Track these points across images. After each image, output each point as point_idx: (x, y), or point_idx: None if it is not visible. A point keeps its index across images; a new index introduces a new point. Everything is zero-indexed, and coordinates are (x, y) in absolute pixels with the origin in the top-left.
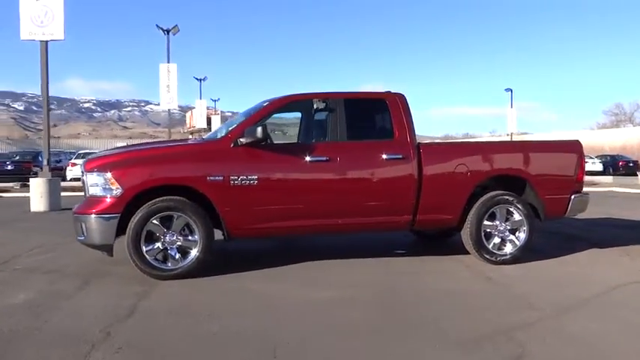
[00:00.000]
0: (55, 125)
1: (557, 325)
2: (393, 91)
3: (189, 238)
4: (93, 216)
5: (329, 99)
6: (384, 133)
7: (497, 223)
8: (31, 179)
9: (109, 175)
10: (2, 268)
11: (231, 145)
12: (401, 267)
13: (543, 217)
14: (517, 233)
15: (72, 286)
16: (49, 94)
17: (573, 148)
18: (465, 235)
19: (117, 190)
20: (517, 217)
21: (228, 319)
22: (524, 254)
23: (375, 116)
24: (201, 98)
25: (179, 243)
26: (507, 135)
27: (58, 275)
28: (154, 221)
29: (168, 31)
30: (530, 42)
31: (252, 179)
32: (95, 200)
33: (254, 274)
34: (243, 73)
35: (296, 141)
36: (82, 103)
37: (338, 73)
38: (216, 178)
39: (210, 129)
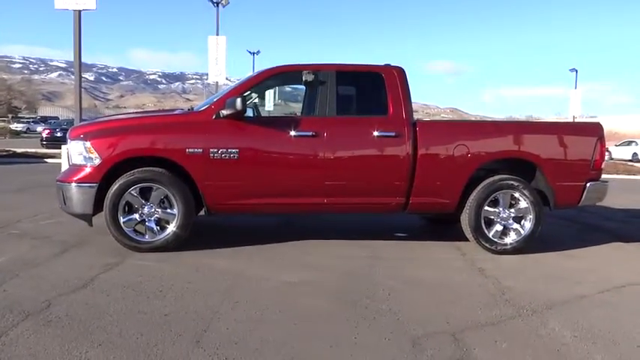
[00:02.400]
0: (122, 96)
1: (523, 326)
2: (392, 64)
3: (168, 211)
4: (73, 184)
5: (320, 71)
6: (378, 109)
7: (500, 209)
8: (62, 146)
9: (88, 144)
10: None
11: (213, 117)
12: (389, 252)
13: (553, 206)
14: (522, 222)
15: (48, 254)
16: (118, 66)
17: (592, 131)
18: (464, 221)
19: (96, 159)
20: (523, 204)
21: (180, 297)
22: (529, 244)
23: (370, 91)
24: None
25: (157, 215)
26: (571, 118)
27: (43, 242)
28: (133, 192)
29: (217, 3)
30: (604, 20)
31: (233, 153)
32: (76, 169)
33: (231, 252)
34: (297, 48)
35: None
36: (148, 74)
37: (402, 50)
38: (196, 150)
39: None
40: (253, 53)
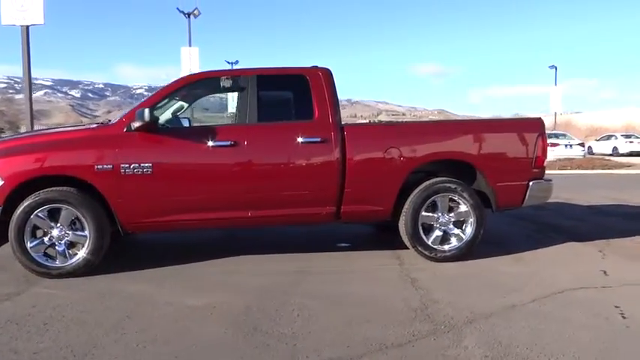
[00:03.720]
0: (109, 112)
1: (433, 346)
2: (320, 65)
3: (79, 233)
4: None
5: (239, 76)
6: (303, 114)
7: (439, 214)
8: None
9: None
10: None
11: (124, 130)
12: (321, 265)
13: (495, 208)
14: (464, 226)
15: None
16: (104, 82)
17: (532, 127)
18: (401, 228)
19: None
20: (463, 207)
21: (64, 330)
22: (472, 250)
23: (294, 95)
24: None
25: (68, 238)
26: (552, 115)
27: None
28: (40, 214)
29: (188, 15)
30: (590, 16)
31: (146, 167)
32: None
33: (150, 273)
34: (275, 56)
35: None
36: (134, 89)
37: (383, 53)
38: (105, 166)
39: None
40: (232, 63)
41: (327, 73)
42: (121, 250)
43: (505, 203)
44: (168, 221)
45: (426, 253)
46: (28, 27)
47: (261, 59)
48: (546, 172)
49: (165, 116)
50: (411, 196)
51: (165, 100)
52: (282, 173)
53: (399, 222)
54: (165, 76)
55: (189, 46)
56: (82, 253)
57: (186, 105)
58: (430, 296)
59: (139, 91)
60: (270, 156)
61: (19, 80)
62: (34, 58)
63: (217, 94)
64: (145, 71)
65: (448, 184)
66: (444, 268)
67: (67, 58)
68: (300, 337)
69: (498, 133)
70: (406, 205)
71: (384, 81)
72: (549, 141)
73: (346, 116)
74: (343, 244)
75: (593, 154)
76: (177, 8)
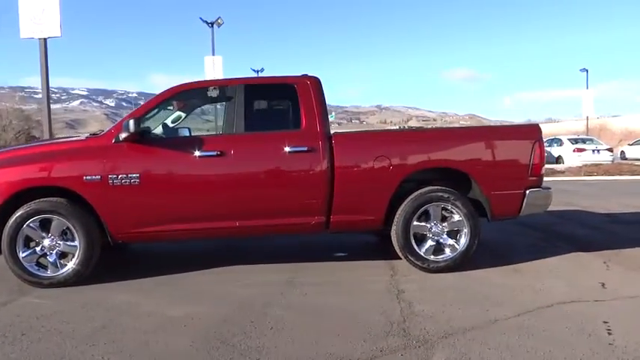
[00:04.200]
0: None
1: None
2: (309, 74)
3: (69, 243)
4: None
5: (227, 86)
6: (291, 123)
7: (432, 224)
8: None
9: None
10: None
11: (113, 142)
12: (311, 276)
13: (491, 217)
14: (458, 236)
15: None
16: (138, 91)
17: (528, 133)
18: (393, 238)
19: None
20: (456, 217)
21: (37, 341)
22: (467, 260)
23: (281, 104)
24: None
25: (59, 248)
26: (585, 119)
27: None
28: (31, 225)
29: (212, 24)
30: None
31: (133, 178)
32: None
33: (139, 283)
34: (301, 64)
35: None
36: None
37: (414, 59)
38: (94, 177)
39: None
40: (257, 71)
41: (316, 82)
42: (118, 259)
43: (501, 212)
44: (156, 231)
45: (419, 263)
46: (45, 40)
47: (287, 67)
48: (573, 178)
49: (161, 126)
50: (402, 205)
51: (155, 111)
52: (269, 183)
53: (391, 231)
54: None
55: (213, 54)
56: (71, 265)
57: (184, 115)
58: (412, 309)
59: None
60: (255, 166)
61: (56, 90)
62: (70, 69)
63: (206, 104)
64: (177, 80)
65: (440, 193)
66: (436, 279)
67: (102, 69)
68: (265, 351)
69: (493, 140)
70: (397, 215)
71: (415, 87)
72: (576, 146)
73: (375, 122)
74: (340, 254)
75: (626, 158)
76: (200, 18)
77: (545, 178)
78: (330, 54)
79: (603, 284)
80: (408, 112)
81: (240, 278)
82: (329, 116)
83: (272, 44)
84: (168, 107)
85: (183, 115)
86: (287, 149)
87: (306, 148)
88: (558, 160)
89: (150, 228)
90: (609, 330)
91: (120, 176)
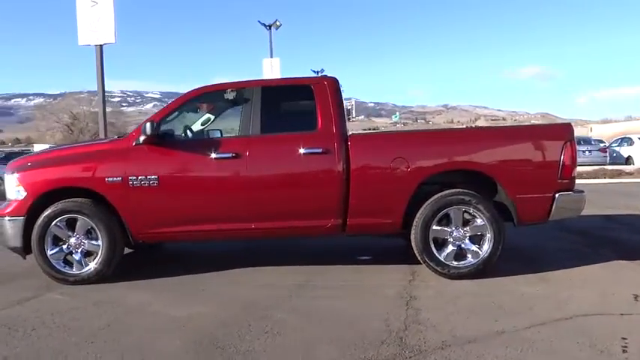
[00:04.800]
0: None
1: None
2: (328, 75)
3: (93, 242)
4: (4, 218)
5: (244, 88)
6: (307, 125)
7: (453, 228)
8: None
9: (15, 177)
10: None
11: (133, 144)
12: (326, 279)
13: (517, 222)
14: (481, 241)
15: None
16: None
17: (557, 134)
18: (412, 242)
19: (22, 192)
20: (479, 221)
21: (45, 336)
22: (490, 266)
23: (298, 105)
24: None
25: (84, 247)
26: None
27: None
28: (58, 224)
29: (270, 26)
30: None
31: (152, 180)
32: (8, 202)
33: (159, 283)
34: (360, 64)
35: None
36: None
37: (483, 58)
38: (115, 179)
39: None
40: (317, 72)
41: (333, 83)
42: (146, 258)
43: (528, 217)
44: (174, 232)
45: (438, 269)
46: (101, 46)
47: (348, 68)
48: (635, 180)
49: (190, 128)
50: (422, 208)
51: (175, 114)
52: (284, 185)
53: (411, 236)
54: None
55: (271, 57)
56: (92, 264)
57: (212, 117)
58: (418, 316)
59: None
60: (271, 167)
61: (131, 94)
62: (144, 73)
63: (226, 106)
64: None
65: (461, 196)
66: (455, 285)
67: (172, 73)
68: (252, 355)
69: (519, 140)
70: (416, 218)
71: (484, 85)
72: (633, 146)
73: (442, 122)
74: (364, 257)
75: None
76: (259, 21)
77: (610, 180)
78: (393, 55)
79: (637, 296)
80: (476, 111)
81: (253, 280)
82: (393, 116)
83: (334, 45)
84: (191, 110)
85: (212, 117)
86: (302, 151)
87: (321, 150)
88: (628, 160)
89: (168, 229)
90: (625, 347)
91: (139, 178)
